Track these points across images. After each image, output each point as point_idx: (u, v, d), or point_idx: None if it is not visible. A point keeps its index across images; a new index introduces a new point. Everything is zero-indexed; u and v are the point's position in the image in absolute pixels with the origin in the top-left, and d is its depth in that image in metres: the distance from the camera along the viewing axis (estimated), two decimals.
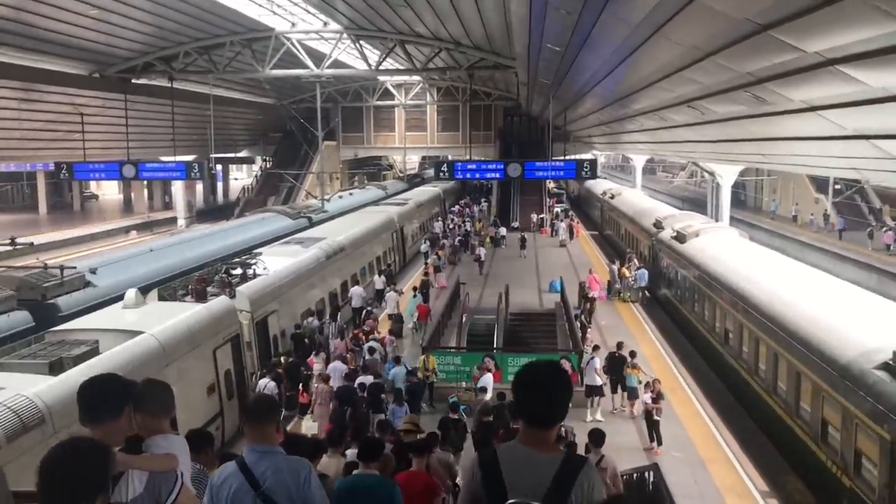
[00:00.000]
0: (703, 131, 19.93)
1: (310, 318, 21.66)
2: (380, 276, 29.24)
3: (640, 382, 16.27)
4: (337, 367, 16.78)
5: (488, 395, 15.39)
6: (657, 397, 14.70)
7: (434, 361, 17.87)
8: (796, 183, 55.36)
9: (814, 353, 13.38)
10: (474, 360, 18.06)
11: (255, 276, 19.91)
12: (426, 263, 33.49)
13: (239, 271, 20.17)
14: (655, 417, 14.67)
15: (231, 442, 15.37)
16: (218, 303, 16.40)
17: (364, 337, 20.02)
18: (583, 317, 22.60)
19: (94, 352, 12.38)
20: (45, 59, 29.91)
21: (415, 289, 26.23)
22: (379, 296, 27.23)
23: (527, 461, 3.02)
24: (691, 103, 16.36)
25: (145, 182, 74.39)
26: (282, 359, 17.40)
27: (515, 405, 3.20)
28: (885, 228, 41.92)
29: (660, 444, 14.73)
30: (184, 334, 14.20)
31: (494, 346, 20.96)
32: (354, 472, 6.56)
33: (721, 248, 23.33)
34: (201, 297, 17.43)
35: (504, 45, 30.86)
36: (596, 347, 18.73)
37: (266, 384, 15.54)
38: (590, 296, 25.25)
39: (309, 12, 31.06)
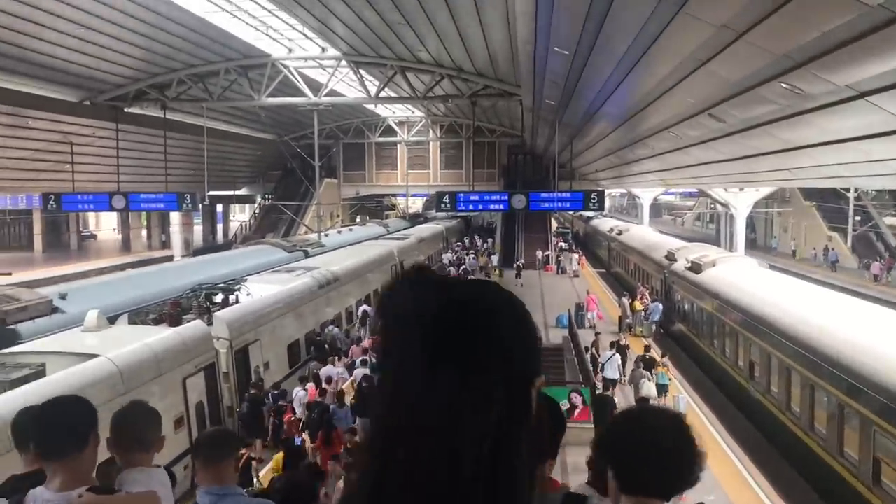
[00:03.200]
0: (721, 147, 18.55)
1: (330, 326, 22.66)
2: None
3: (669, 380, 18.69)
4: (329, 371, 17.57)
5: None
6: None
7: None
8: (808, 220, 54.09)
9: (863, 384, 11.72)
10: None
11: (237, 302, 18.38)
12: None
13: (220, 298, 18.65)
14: None
15: None
16: (191, 328, 14.82)
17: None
18: (593, 350, 20.93)
19: (37, 375, 10.85)
20: (33, 83, 28.80)
21: None
22: None
23: None
24: (712, 110, 14.99)
25: (144, 222, 73.67)
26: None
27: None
28: (875, 260, 45.53)
29: None
30: (147, 360, 12.62)
31: None
32: None
33: (741, 277, 21.77)
34: (175, 322, 15.87)
35: (508, 72, 29.75)
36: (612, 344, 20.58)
37: (297, 393, 16.01)
38: (622, 343, 21.80)
39: (306, 37, 30.02)
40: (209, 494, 3.41)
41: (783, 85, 10.76)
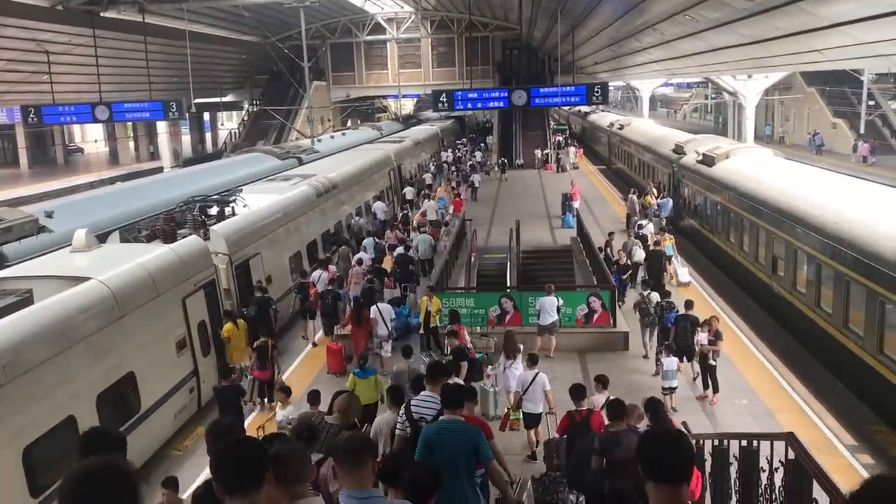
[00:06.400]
0: (742, 30, 17.29)
1: (356, 217, 24.79)
2: (410, 187, 32.91)
3: (674, 249, 20.51)
4: (361, 255, 19.60)
5: (552, 318, 14.53)
6: (715, 338, 12.35)
7: (437, 304, 15.23)
8: (811, 107, 52.67)
9: None
10: (489, 301, 15.74)
11: (233, 214, 17.45)
12: (448, 180, 38.72)
13: (216, 210, 17.69)
14: (711, 361, 12.36)
15: (209, 406, 13.09)
16: (187, 244, 13.94)
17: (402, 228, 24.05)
18: (607, 250, 20.10)
19: (24, 303, 10.04)
20: None
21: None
22: (410, 205, 29.84)
23: None
24: None
25: (130, 133, 71.75)
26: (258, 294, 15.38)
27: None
28: (862, 142, 44.23)
29: (716, 391, 12.48)
30: (142, 281, 11.77)
31: (508, 284, 18.69)
32: (441, 418, 6.54)
33: (758, 168, 20.83)
34: (170, 238, 14.96)
35: None
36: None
37: (321, 275, 17.18)
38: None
39: None
40: (352, 498, 3.76)
41: None
